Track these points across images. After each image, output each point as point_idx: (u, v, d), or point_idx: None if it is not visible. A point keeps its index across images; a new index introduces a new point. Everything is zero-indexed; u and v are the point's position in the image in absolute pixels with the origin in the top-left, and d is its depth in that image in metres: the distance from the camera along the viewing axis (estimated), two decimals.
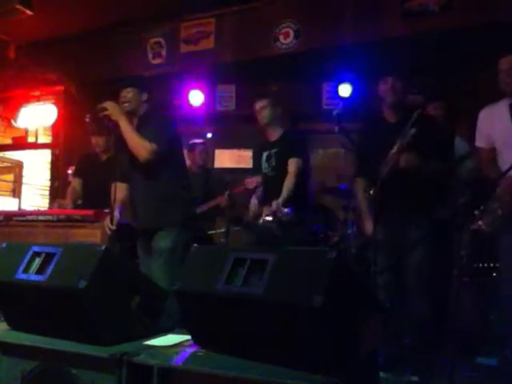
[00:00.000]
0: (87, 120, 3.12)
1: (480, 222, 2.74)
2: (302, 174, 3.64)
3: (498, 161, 2.89)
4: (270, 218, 3.48)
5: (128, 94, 3.13)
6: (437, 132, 3.03)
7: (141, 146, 3.02)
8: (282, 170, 3.65)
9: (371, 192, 2.83)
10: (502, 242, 2.81)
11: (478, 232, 2.77)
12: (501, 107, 2.89)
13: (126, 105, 3.12)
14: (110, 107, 3.04)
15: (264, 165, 3.80)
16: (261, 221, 3.61)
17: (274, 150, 3.75)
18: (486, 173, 2.99)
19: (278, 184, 3.59)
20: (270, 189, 3.69)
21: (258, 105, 3.81)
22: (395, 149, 2.87)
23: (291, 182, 3.56)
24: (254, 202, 3.84)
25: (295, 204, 3.49)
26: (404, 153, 2.87)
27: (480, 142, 3.00)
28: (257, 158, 3.96)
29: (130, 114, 3.14)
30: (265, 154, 3.81)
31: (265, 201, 3.70)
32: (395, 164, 2.86)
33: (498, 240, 2.83)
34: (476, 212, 2.75)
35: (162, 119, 3.22)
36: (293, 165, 3.61)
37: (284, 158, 3.66)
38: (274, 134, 3.81)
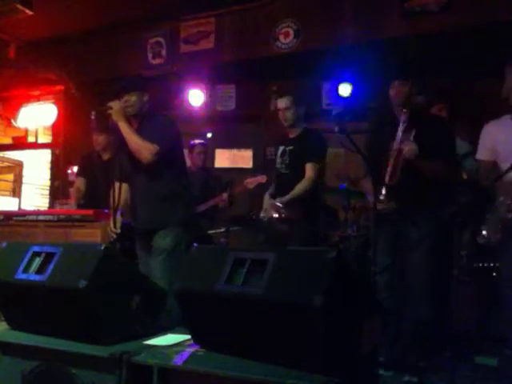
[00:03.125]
0: (92, 117, 3.12)
1: (484, 233, 2.72)
2: (317, 181, 3.57)
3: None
4: (276, 215, 3.45)
5: (131, 97, 3.13)
6: (442, 133, 3.03)
7: (143, 148, 3.02)
8: (296, 169, 3.58)
9: (381, 197, 2.84)
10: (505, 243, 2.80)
11: (487, 244, 2.76)
12: (505, 121, 2.90)
13: (130, 109, 3.12)
14: (115, 108, 3.05)
15: (278, 160, 3.73)
16: (265, 218, 3.57)
17: (289, 148, 3.67)
18: (484, 184, 2.98)
19: (291, 182, 3.55)
20: (282, 186, 3.63)
21: (281, 104, 3.68)
22: (397, 144, 2.88)
23: (304, 186, 3.51)
24: (266, 198, 3.73)
25: (305, 208, 3.47)
26: (406, 144, 2.88)
27: (481, 155, 3.00)
28: (274, 152, 3.86)
29: (133, 116, 3.14)
30: (280, 149, 3.73)
31: (275, 196, 3.64)
32: (397, 157, 2.86)
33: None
34: (482, 227, 2.74)
35: (162, 119, 3.22)
36: (311, 170, 3.55)
37: (299, 158, 3.59)
38: (294, 131, 3.71)
